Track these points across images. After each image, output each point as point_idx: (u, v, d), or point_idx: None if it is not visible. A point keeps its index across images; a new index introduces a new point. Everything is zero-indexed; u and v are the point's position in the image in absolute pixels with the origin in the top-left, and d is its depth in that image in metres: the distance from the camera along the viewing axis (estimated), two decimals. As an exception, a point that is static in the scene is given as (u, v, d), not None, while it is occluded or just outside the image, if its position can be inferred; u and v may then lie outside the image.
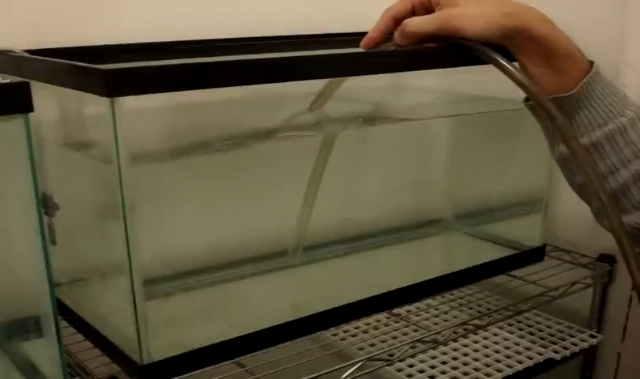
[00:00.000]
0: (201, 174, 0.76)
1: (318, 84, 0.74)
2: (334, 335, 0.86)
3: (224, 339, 0.63)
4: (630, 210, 0.61)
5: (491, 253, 0.88)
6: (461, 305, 0.95)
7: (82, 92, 0.53)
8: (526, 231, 0.91)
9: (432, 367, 0.84)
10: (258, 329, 0.65)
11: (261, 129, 0.77)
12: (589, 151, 0.60)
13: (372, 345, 0.84)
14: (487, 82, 0.68)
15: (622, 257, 0.57)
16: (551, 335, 0.91)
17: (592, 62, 0.61)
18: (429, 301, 0.94)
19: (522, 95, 0.63)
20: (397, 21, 0.64)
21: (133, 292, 0.57)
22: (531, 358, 0.85)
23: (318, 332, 0.70)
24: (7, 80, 0.45)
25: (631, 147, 0.59)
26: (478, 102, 0.91)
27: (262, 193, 0.81)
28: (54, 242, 0.62)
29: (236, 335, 0.64)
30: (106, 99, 0.51)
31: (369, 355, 0.69)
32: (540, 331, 0.93)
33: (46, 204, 0.60)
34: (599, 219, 0.64)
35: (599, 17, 0.93)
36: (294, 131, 0.79)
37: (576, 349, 0.89)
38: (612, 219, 0.57)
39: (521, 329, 0.93)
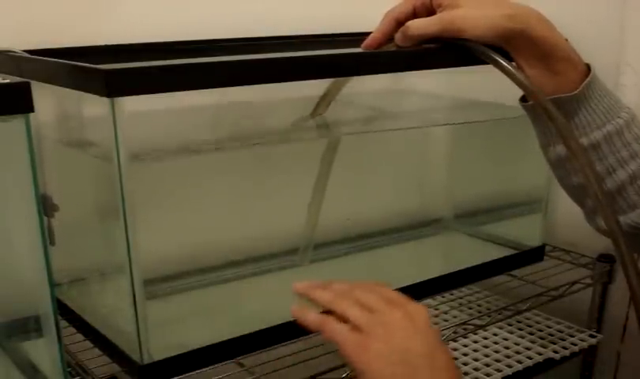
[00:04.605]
0: (203, 176, 0.76)
1: (319, 88, 0.74)
2: (334, 334, 0.85)
3: (223, 338, 0.63)
4: (626, 210, 0.61)
5: (491, 253, 0.88)
6: (460, 305, 0.95)
7: (82, 92, 0.53)
8: (526, 231, 0.91)
9: (432, 367, 0.84)
10: (258, 329, 0.65)
11: (263, 134, 0.77)
12: (588, 152, 0.60)
13: (372, 345, 0.84)
14: (489, 85, 0.68)
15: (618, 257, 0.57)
16: (551, 335, 0.91)
17: (587, 64, 0.61)
18: (429, 301, 0.94)
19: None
20: (399, 23, 0.64)
21: (133, 292, 0.57)
22: (531, 358, 0.85)
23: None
24: (7, 81, 0.45)
25: (627, 148, 0.60)
26: (479, 105, 0.91)
27: (264, 195, 0.81)
28: (52, 243, 0.62)
29: (236, 335, 0.64)
30: (106, 100, 0.51)
31: (369, 355, 0.69)
32: (540, 331, 0.93)
33: (45, 205, 0.60)
34: (591, 220, 0.64)
35: (599, 17, 0.93)
36: (298, 135, 0.79)
37: (575, 349, 0.89)
38: (610, 218, 0.57)
39: (520, 329, 0.93)
